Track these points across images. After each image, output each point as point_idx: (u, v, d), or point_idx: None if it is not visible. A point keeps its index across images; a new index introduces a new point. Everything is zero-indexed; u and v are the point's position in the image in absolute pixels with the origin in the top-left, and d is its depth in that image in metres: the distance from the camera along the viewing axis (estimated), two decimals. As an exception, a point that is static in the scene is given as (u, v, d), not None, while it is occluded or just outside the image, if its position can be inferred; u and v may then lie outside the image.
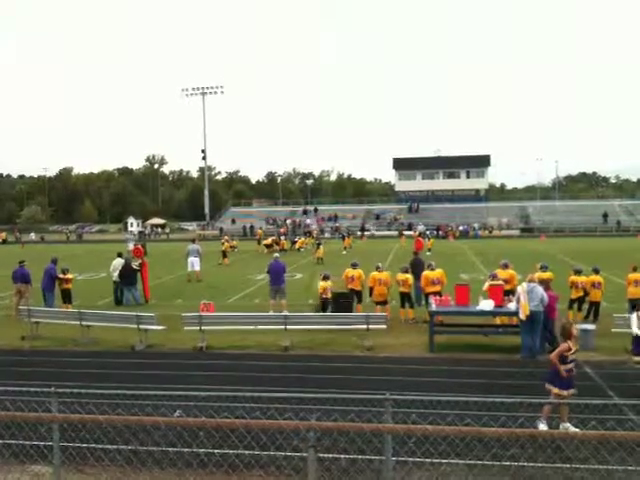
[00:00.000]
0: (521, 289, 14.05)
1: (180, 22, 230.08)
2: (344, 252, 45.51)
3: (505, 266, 17.49)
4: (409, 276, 18.36)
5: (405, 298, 18.19)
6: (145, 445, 8.15)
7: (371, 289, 18.15)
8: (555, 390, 9.10)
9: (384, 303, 17.83)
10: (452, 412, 7.68)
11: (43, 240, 78.31)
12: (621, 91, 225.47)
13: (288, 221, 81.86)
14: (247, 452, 7.63)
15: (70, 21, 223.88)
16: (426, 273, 18.05)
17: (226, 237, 47.20)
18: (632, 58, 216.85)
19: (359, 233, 69.25)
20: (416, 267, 19.63)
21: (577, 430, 8.18)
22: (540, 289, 13.94)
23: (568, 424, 8.86)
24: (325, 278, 18.30)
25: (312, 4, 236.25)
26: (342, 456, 7.87)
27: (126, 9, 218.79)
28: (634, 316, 11.39)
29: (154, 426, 7.63)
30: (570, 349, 9.20)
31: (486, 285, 16.65)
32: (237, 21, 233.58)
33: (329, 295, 18.03)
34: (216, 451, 7.80)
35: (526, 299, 13.69)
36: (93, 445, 7.90)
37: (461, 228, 73.41)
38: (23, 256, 24.02)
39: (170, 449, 8.08)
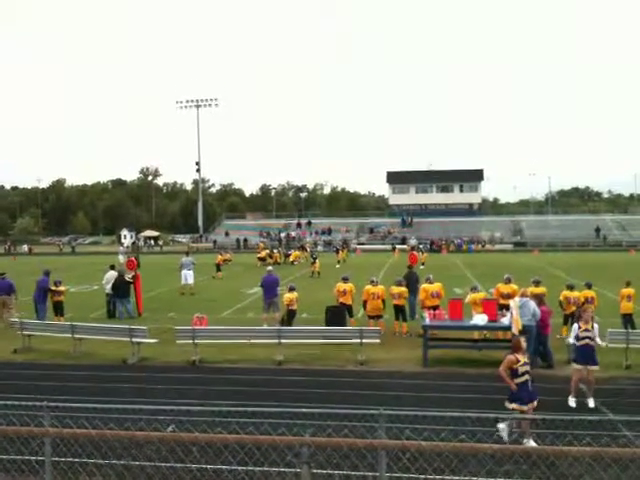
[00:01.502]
0: (513, 304, 14.08)
1: (174, 34, 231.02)
2: (337, 266, 45.53)
3: (508, 280, 17.55)
4: (404, 289, 18.38)
5: (399, 311, 18.21)
6: (137, 460, 8.10)
7: (365, 303, 18.16)
8: (514, 406, 9.10)
9: (378, 317, 17.82)
10: (446, 428, 7.65)
11: (31, 252, 77.53)
12: (614, 106, 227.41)
13: (282, 234, 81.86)
14: (240, 468, 7.58)
15: (65, 33, 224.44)
16: (425, 286, 18.12)
17: (228, 254, 47.54)
18: (624, 74, 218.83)
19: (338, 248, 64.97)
20: (411, 281, 19.66)
21: (536, 446, 8.24)
22: (532, 304, 13.97)
23: (530, 440, 8.86)
24: (291, 290, 18.48)
25: (307, 19, 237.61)
26: (336, 472, 7.83)
27: (120, 21, 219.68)
28: (575, 326, 11.58)
29: (147, 441, 7.58)
30: (517, 361, 9.23)
31: (468, 298, 17.04)
32: (231, 36, 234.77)
33: (295, 306, 18.31)
34: (209, 467, 7.76)
35: (518, 314, 13.71)
36: (85, 460, 7.83)
37: (456, 242, 73.51)
38: (15, 268, 23.88)
39: (163, 464, 8.02)
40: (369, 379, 13.42)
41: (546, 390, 12.39)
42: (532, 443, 8.76)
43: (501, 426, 9.10)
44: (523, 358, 9.30)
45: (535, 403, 9.24)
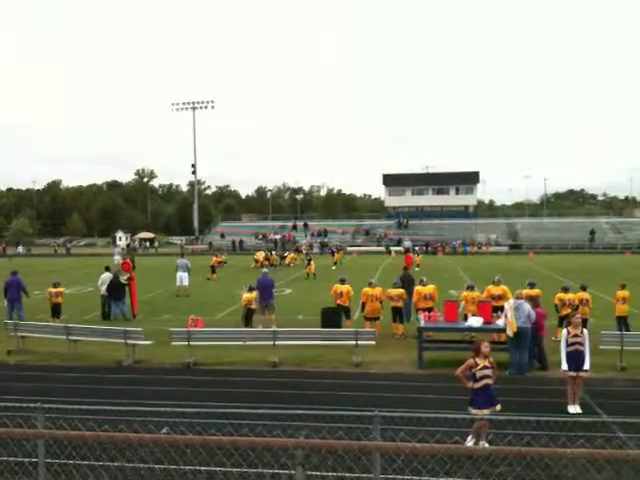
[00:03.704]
0: (508, 306, 14.10)
1: (170, 36, 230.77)
2: (333, 267, 45.57)
3: (498, 282, 17.65)
4: (402, 291, 18.41)
5: (397, 313, 18.23)
6: (131, 462, 8.08)
7: (363, 304, 18.18)
8: (473, 411, 9.09)
9: (376, 319, 17.86)
10: (441, 429, 7.66)
11: (5, 254, 76.33)
12: (609, 109, 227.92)
13: (278, 236, 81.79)
14: (235, 470, 7.57)
15: (61, 34, 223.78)
16: (418, 288, 18.18)
17: (223, 256, 47.61)
18: (619, 77, 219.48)
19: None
20: (406, 282, 19.68)
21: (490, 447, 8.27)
22: (527, 306, 13.98)
23: (485, 442, 8.86)
24: (250, 290, 18.67)
25: (304, 20, 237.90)
26: (330, 474, 7.82)
27: (116, 24, 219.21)
28: (564, 331, 11.50)
29: (141, 443, 7.56)
30: (476, 365, 9.18)
31: (462, 295, 17.47)
32: (227, 37, 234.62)
33: (254, 306, 18.64)
34: (203, 468, 7.74)
35: (513, 316, 13.72)
36: (79, 462, 7.80)
37: (452, 244, 73.60)
38: (9, 269, 23.71)
39: (157, 466, 8.00)
40: (364, 381, 13.42)
41: (540, 392, 12.44)
42: (486, 444, 8.75)
43: (469, 442, 9.06)
44: (483, 362, 9.18)
45: (497, 407, 9.10)
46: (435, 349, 15.33)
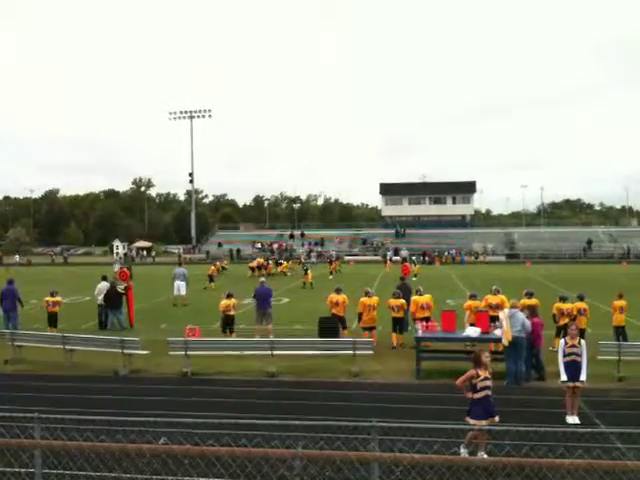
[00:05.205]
0: (503, 315, 14.11)
1: (168, 44, 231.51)
2: (330, 277, 45.54)
3: (496, 292, 17.69)
4: (403, 301, 18.39)
5: (397, 323, 18.22)
6: (129, 473, 8.04)
7: (360, 315, 18.15)
8: (471, 421, 9.08)
9: (372, 329, 17.85)
10: (439, 440, 7.63)
11: (22, 262, 76.51)
12: (605, 119, 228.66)
13: (275, 245, 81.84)
14: (232, 480, 7.54)
15: (56, 43, 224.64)
16: (415, 298, 18.19)
17: (225, 262, 47.63)
18: (616, 88, 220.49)
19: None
20: (403, 292, 19.68)
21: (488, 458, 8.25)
22: (521, 315, 13.98)
23: (484, 453, 8.83)
24: (229, 296, 18.88)
25: (301, 30, 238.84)
26: (328, 484, 7.79)
27: (113, 33, 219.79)
28: (562, 341, 11.49)
29: (138, 453, 7.53)
30: (478, 376, 9.17)
31: (465, 304, 17.53)
32: (224, 47, 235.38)
33: (232, 312, 18.77)
34: (201, 479, 7.70)
35: (508, 325, 13.72)
36: (76, 472, 7.76)
37: (447, 253, 73.64)
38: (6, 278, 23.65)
39: (154, 477, 7.96)
40: (362, 391, 13.39)
41: (538, 402, 12.42)
42: (485, 456, 8.73)
43: (462, 451, 9.06)
44: (484, 373, 9.20)
45: (495, 419, 9.13)
46: (433, 359, 15.32)
